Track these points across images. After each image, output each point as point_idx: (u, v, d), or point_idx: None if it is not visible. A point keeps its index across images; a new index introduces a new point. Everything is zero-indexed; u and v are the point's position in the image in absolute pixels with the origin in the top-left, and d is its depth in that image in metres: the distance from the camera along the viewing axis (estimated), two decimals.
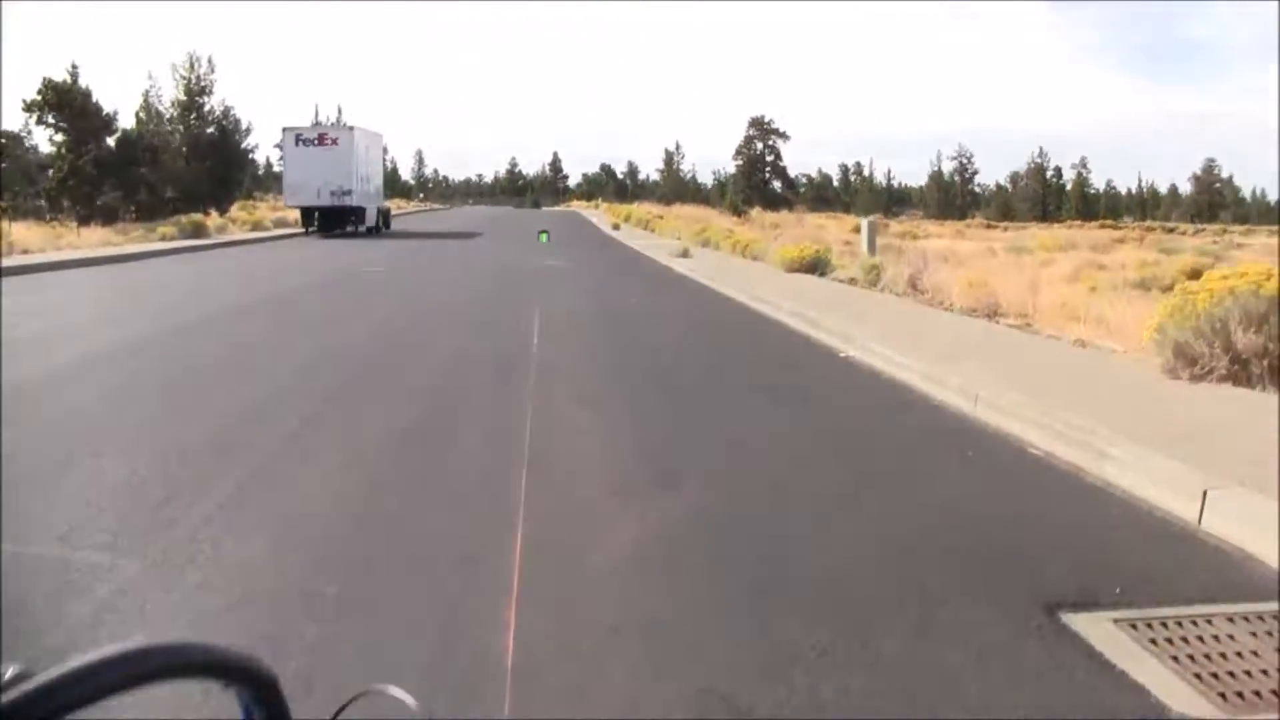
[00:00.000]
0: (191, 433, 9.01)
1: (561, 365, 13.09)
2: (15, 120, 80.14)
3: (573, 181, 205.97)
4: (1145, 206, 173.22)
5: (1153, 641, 5.07)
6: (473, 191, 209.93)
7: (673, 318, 19.30)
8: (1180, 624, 5.29)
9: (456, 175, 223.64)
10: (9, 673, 0.97)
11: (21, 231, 36.15)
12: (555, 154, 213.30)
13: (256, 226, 54.40)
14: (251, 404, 10.41)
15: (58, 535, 6.27)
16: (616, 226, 69.47)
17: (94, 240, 37.41)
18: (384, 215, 58.73)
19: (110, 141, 51.08)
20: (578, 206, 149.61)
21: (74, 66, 50.61)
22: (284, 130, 52.51)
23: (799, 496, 7.47)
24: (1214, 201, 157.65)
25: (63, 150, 49.62)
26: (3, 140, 69.97)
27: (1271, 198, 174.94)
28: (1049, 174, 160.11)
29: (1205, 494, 6.88)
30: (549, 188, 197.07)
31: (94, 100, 50.39)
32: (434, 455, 8.55)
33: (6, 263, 27.23)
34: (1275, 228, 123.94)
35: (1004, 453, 8.95)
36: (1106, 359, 12.88)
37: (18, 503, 6.90)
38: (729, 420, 10.04)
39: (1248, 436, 8.50)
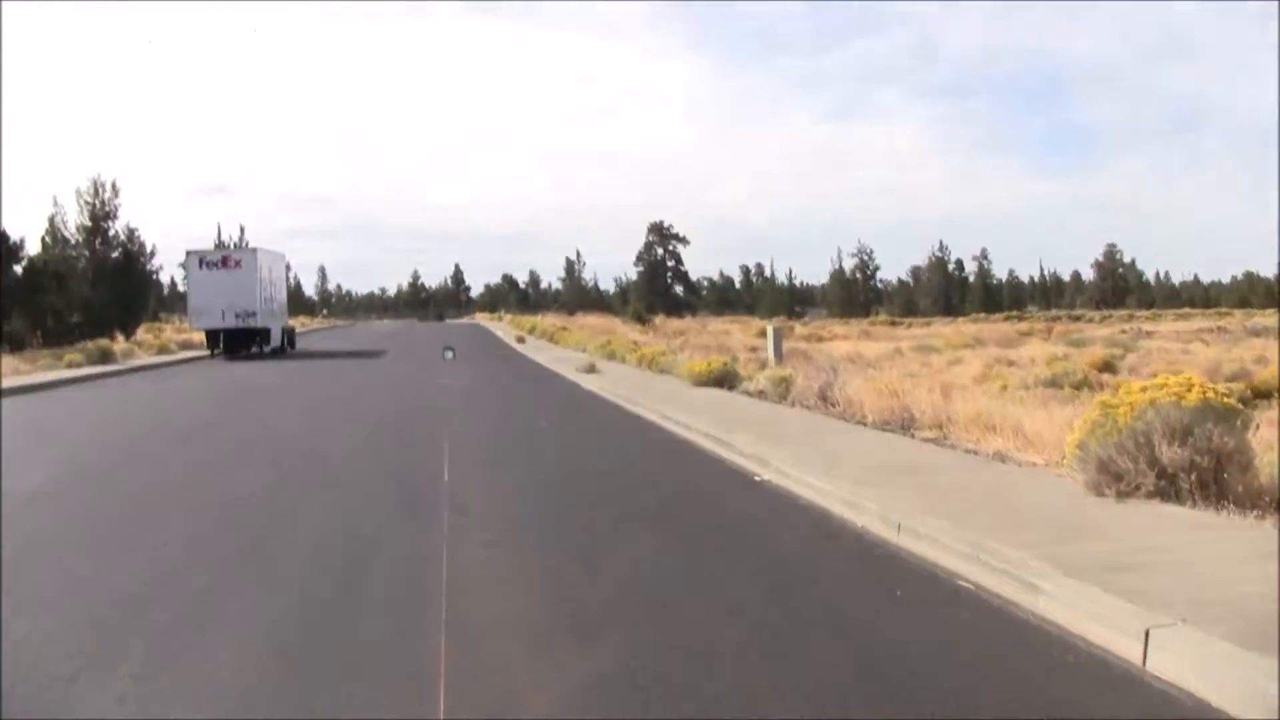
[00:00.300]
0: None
1: (473, 500, 12.69)
2: None
3: (475, 292, 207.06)
4: (1049, 294, 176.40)
5: None
6: (376, 305, 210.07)
7: (582, 440, 19.00)
8: None
9: (360, 289, 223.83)
10: None
11: None
12: (456, 265, 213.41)
13: (163, 350, 53.98)
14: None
15: None
16: (521, 340, 69.51)
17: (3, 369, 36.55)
18: (289, 335, 58.49)
19: (17, 269, 50.50)
20: (481, 318, 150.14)
21: None
22: (188, 254, 52.18)
23: (724, 648, 7.09)
24: (1118, 287, 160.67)
25: None
26: None
27: (1176, 280, 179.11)
28: (950, 266, 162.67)
29: (1148, 633, 6.59)
30: (452, 299, 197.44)
31: (1, 229, 49.95)
32: (346, 589, 8.10)
33: None
34: (1181, 311, 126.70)
35: (932, 587, 8.65)
36: (1028, 476, 12.67)
37: None
38: (646, 560, 9.71)
39: (1183, 562, 8.28)
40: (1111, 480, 10.91)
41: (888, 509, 10.62)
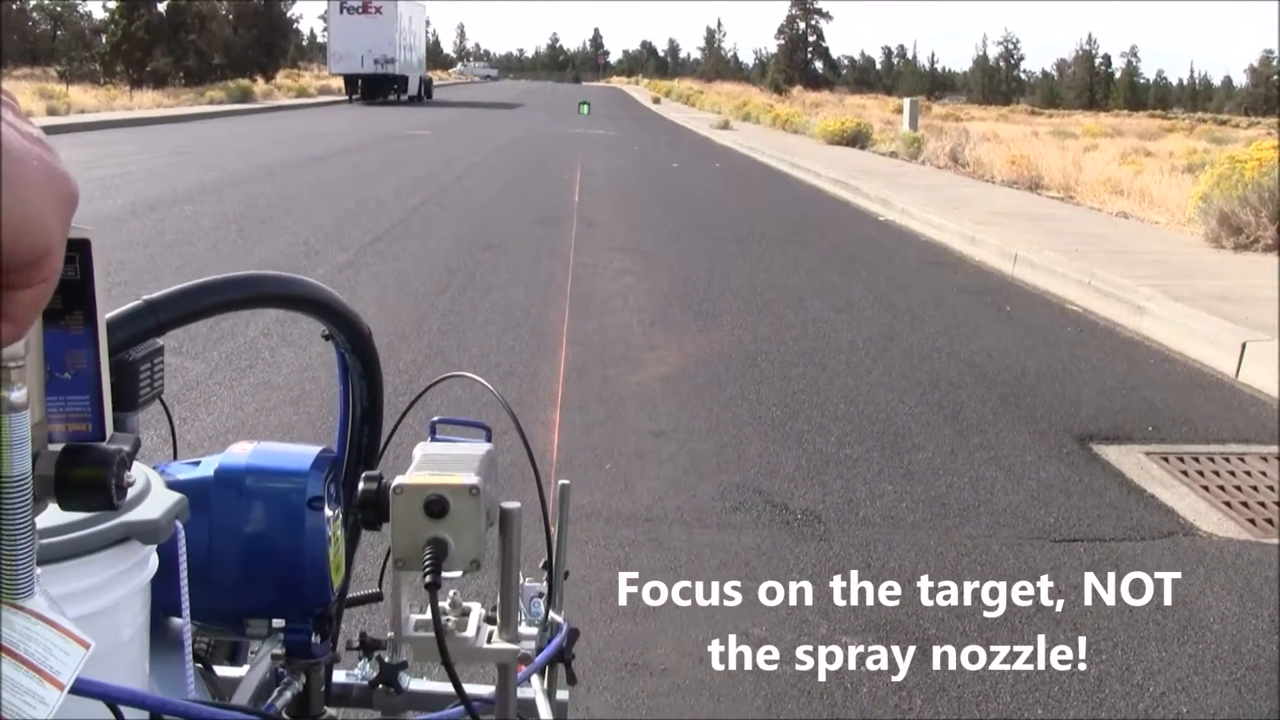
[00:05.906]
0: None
1: (601, 218, 13.19)
2: None
3: (613, 58, 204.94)
4: (1197, 98, 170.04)
5: (1184, 473, 5.12)
6: (513, 65, 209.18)
7: (711, 181, 19.28)
8: (1212, 459, 5.34)
9: (498, 49, 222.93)
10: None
11: (78, 94, 36.14)
12: (596, 30, 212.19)
13: (301, 93, 54.52)
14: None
15: None
16: (657, 100, 69.16)
17: (146, 102, 37.41)
18: (426, 85, 58.84)
19: (161, 8, 51.20)
20: (618, 82, 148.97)
21: None
22: None
23: (839, 334, 7.57)
24: (1270, 95, 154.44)
25: (116, 16, 50.06)
26: (60, 7, 70.19)
27: None
28: (1097, 62, 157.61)
29: (1244, 346, 6.89)
30: (589, 64, 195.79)
31: None
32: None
33: (68, 120, 27.38)
34: None
35: (1042, 307, 9.00)
36: (1149, 229, 12.83)
37: None
38: (773, 273, 10.08)
39: None
40: (1231, 233, 11.04)
41: (1006, 244, 10.91)
